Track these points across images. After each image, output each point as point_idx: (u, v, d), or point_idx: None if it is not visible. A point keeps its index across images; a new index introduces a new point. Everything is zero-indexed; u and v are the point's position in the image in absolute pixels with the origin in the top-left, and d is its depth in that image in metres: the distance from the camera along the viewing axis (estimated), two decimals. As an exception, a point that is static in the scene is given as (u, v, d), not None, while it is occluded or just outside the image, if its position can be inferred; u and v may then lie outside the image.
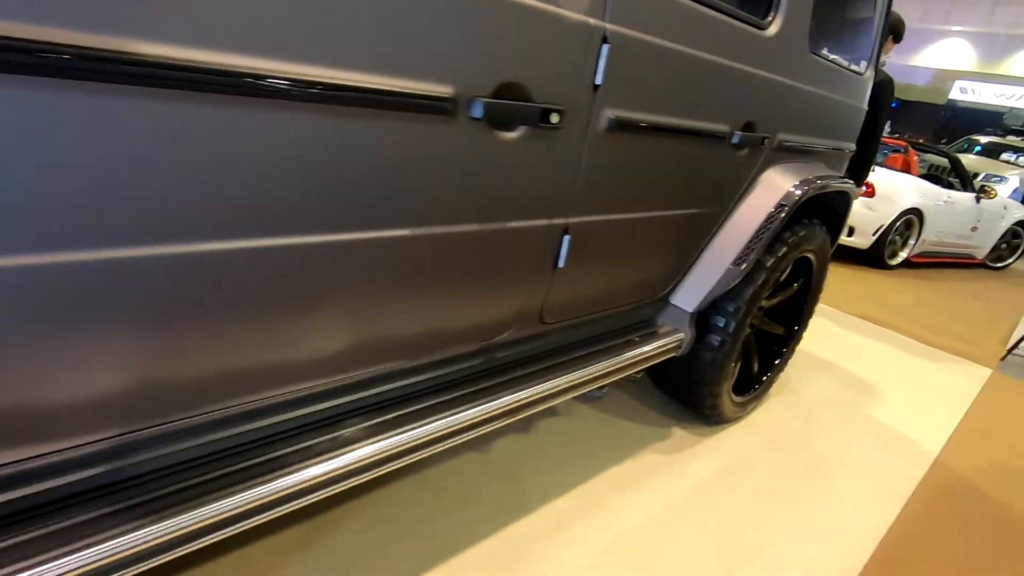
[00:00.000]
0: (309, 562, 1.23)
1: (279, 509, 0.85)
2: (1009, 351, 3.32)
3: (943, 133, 13.79)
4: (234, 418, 0.84)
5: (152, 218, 0.62)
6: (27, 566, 0.64)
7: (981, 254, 5.97)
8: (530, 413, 1.22)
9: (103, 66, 0.53)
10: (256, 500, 0.82)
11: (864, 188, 3.05)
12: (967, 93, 15.52)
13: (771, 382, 2.16)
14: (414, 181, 0.83)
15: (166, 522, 0.74)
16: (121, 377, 0.68)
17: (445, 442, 1.06)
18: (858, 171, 2.95)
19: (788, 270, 1.91)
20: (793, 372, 2.56)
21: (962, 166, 5.60)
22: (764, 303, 1.95)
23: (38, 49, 0.49)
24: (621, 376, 1.44)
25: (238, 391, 0.81)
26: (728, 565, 1.44)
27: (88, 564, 0.67)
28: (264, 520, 0.84)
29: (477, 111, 0.84)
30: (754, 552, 1.50)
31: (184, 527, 0.76)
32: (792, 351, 2.19)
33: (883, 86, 2.80)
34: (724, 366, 1.74)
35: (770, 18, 1.39)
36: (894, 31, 2.85)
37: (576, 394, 1.33)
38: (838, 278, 4.43)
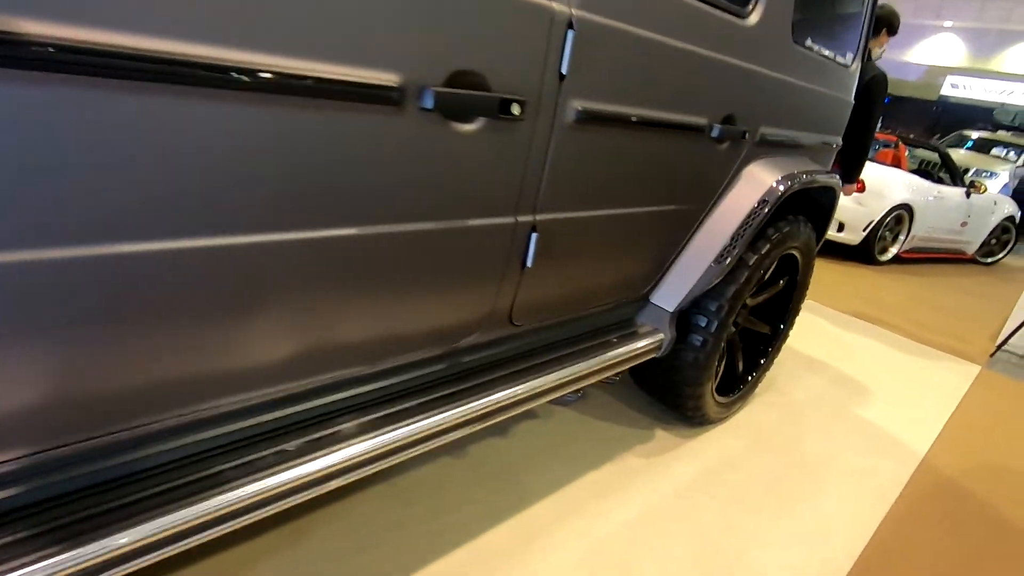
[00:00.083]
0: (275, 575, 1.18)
1: (219, 528, 0.79)
2: (998, 347, 3.30)
3: (935, 129, 13.80)
4: (161, 433, 0.78)
5: (71, 217, 0.56)
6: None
7: (971, 249, 5.96)
8: (500, 419, 1.17)
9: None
10: (191, 519, 0.77)
11: (857, 184, 3.00)
12: (958, 89, 15.53)
13: (757, 382, 2.12)
14: (359, 177, 0.77)
15: (98, 543, 0.69)
16: (44, 388, 0.62)
17: (406, 452, 1.00)
18: (851, 167, 2.91)
19: (772, 268, 1.86)
20: (780, 371, 2.53)
21: (952, 161, 5.58)
22: (749, 301, 1.91)
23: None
24: (597, 379, 1.39)
25: (163, 404, 0.75)
26: (707, 573, 1.39)
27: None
28: (213, 536, 0.79)
29: (427, 101, 0.78)
30: (734, 559, 1.45)
31: (116, 548, 0.70)
32: (778, 350, 2.15)
33: (876, 81, 2.76)
34: (706, 366, 1.69)
35: (751, 7, 1.34)
36: (889, 24, 2.80)
37: (549, 398, 1.27)
38: (828, 274, 4.40)
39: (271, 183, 0.70)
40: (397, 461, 1.01)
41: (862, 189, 4.53)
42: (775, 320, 2.09)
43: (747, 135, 1.48)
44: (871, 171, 4.71)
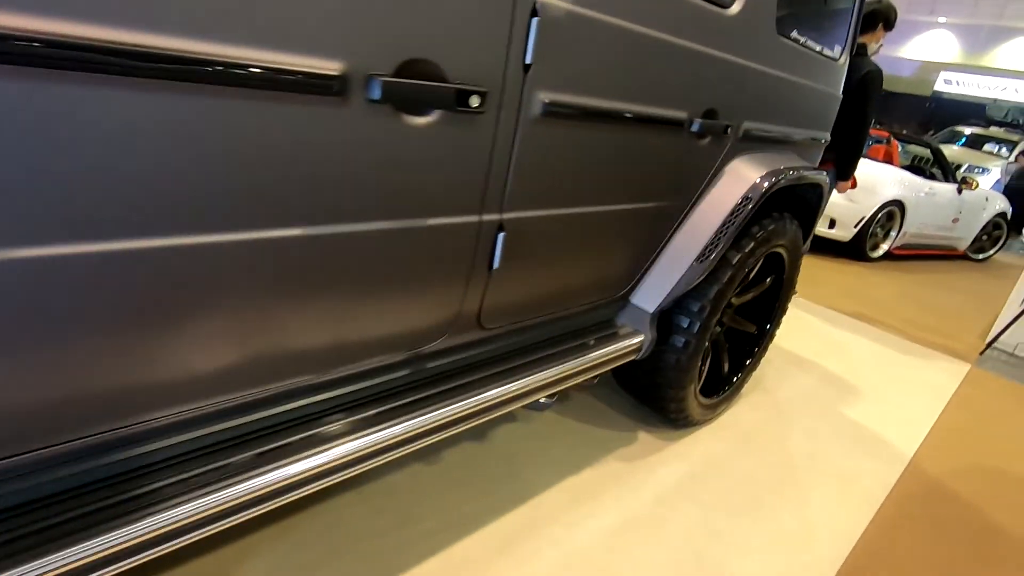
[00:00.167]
0: (227, 591, 1.13)
1: (159, 549, 0.74)
2: (988, 345, 3.28)
3: (929, 125, 13.81)
4: (91, 449, 0.72)
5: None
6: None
7: (962, 246, 5.95)
8: (467, 427, 1.11)
9: None
10: (135, 536, 0.71)
11: (850, 181, 2.96)
12: (952, 85, 15.55)
13: (742, 383, 2.08)
14: (301, 174, 0.72)
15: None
16: None
17: (364, 464, 0.95)
18: (846, 164, 2.86)
19: (758, 266, 1.82)
20: (768, 370, 2.49)
21: (944, 157, 5.55)
22: (734, 300, 1.86)
23: None
24: (573, 383, 1.34)
25: (94, 417, 0.69)
26: (687, 583, 1.35)
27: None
28: (157, 555, 0.74)
29: (375, 92, 0.73)
30: (716, 567, 1.41)
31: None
32: (765, 350, 2.11)
33: (872, 77, 2.71)
34: (688, 368, 1.64)
35: (732, -5, 1.29)
36: (885, 19, 2.76)
37: (521, 404, 1.22)
38: (818, 271, 4.37)
39: (198, 181, 0.64)
40: (355, 473, 0.95)
41: (854, 185, 4.48)
42: (761, 319, 2.04)
43: (729, 130, 1.43)
44: (862, 167, 4.66)
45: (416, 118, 0.80)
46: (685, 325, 1.59)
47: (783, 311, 2.09)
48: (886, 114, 13.58)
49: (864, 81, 2.70)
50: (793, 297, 3.52)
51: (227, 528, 0.80)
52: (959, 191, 5.34)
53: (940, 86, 15.69)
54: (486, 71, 0.85)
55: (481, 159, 0.92)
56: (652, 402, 1.80)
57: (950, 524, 1.75)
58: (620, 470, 1.67)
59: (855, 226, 4.67)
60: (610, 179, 1.18)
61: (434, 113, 0.82)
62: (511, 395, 1.18)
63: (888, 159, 5.14)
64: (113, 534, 0.69)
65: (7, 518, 0.68)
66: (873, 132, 5.61)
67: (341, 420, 0.94)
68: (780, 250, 1.83)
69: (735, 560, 1.44)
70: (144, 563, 0.74)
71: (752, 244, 1.62)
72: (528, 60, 0.90)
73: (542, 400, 1.32)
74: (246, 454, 0.82)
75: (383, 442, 0.97)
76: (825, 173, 1.90)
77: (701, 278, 1.51)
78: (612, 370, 1.54)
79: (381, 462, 0.99)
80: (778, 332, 2.20)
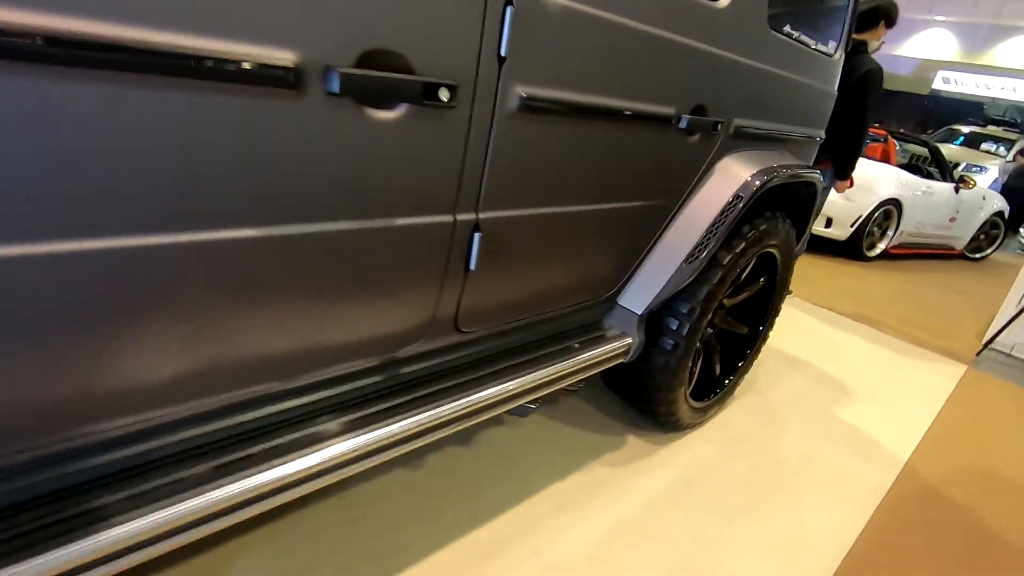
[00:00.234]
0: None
1: (111, 566, 0.70)
2: (985, 346, 3.24)
3: (927, 123, 13.78)
4: (23, 466, 0.68)
5: None
6: None
7: (960, 245, 5.92)
8: (445, 434, 1.07)
9: None
10: (79, 555, 0.67)
11: (849, 181, 2.92)
12: (950, 83, 15.51)
13: (735, 385, 2.04)
14: (253, 171, 0.67)
15: None
16: None
17: (334, 474, 0.91)
18: (845, 163, 2.82)
19: (750, 267, 1.78)
20: (762, 371, 2.45)
21: (941, 156, 5.52)
22: (726, 302, 1.82)
23: None
24: (556, 388, 1.30)
25: (34, 430, 0.65)
26: (675, 592, 1.32)
27: None
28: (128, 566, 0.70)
29: (333, 84, 0.69)
30: (707, 574, 1.37)
31: None
32: (757, 352, 2.07)
33: (872, 75, 2.67)
34: (678, 371, 1.61)
35: (721, -13, 1.25)
36: (887, 16, 2.72)
37: (502, 410, 1.18)
38: (815, 270, 4.33)
39: (139, 179, 0.60)
40: (324, 484, 0.91)
41: (851, 184, 4.45)
42: (754, 321, 2.00)
43: (720, 127, 1.39)
44: (859, 166, 4.61)
45: (381, 112, 0.76)
46: (674, 327, 1.55)
47: (776, 312, 2.05)
48: (884, 112, 13.55)
49: (864, 79, 2.66)
50: (789, 296, 3.49)
51: (191, 543, 0.77)
52: (956, 190, 5.31)
53: (938, 84, 15.65)
54: (457, 63, 0.81)
55: (454, 156, 0.88)
56: (641, 405, 1.76)
57: (945, 529, 1.72)
58: (608, 475, 1.64)
59: (852, 225, 4.63)
60: (593, 177, 1.14)
61: (400, 107, 0.77)
62: (491, 400, 1.14)
63: (885, 158, 5.10)
64: (56, 553, 0.65)
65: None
66: (870, 130, 5.57)
67: (308, 429, 0.90)
68: (773, 250, 1.79)
69: (726, 568, 1.40)
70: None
71: (743, 244, 1.58)
72: (503, 52, 0.85)
73: (528, 405, 1.28)
74: (202, 467, 0.78)
75: (355, 451, 0.93)
76: (819, 172, 1.86)
77: (690, 279, 1.47)
78: (600, 373, 1.51)
79: (353, 472, 0.95)
80: (772, 332, 2.16)
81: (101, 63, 0.53)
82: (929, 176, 5.32)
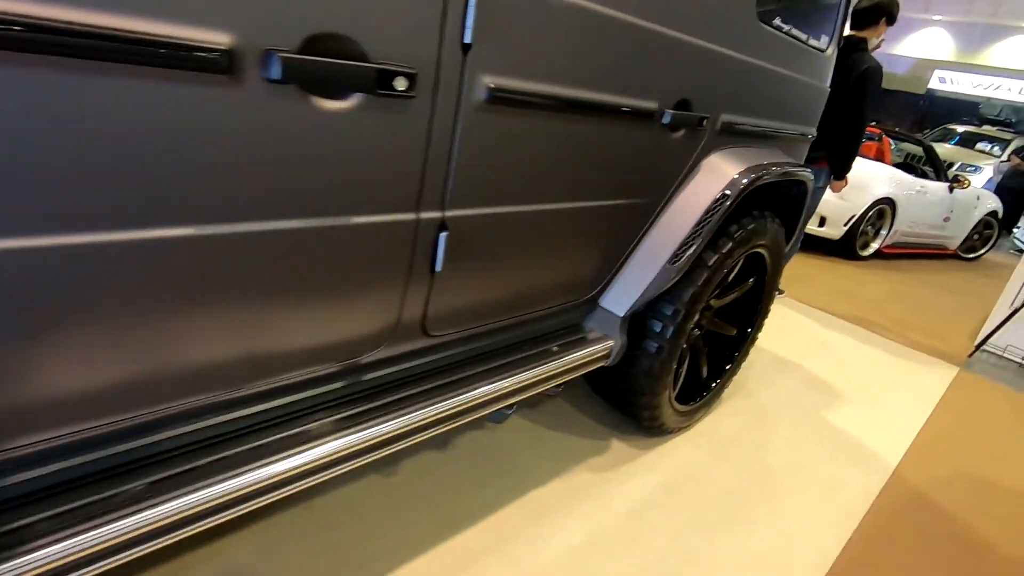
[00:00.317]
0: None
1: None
2: (977, 347, 3.21)
3: (923, 122, 13.76)
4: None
5: None
6: None
7: (953, 245, 5.90)
8: (411, 443, 1.02)
9: None
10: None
11: (845, 180, 2.87)
12: (946, 83, 15.50)
13: (722, 388, 1.99)
14: (184, 165, 0.62)
15: None
16: None
17: (288, 487, 0.86)
18: (842, 162, 2.77)
19: (737, 268, 1.73)
20: (751, 372, 2.41)
21: (936, 155, 5.49)
22: (713, 303, 1.78)
23: None
24: (533, 392, 1.25)
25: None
26: (654, 605, 1.27)
27: None
28: None
29: (274, 71, 0.63)
30: (686, 588, 1.33)
31: None
32: (745, 354, 2.03)
33: (872, 72, 2.62)
34: (662, 375, 1.56)
35: (707, -23, 1.19)
36: (888, 13, 2.67)
37: (474, 417, 1.13)
38: (808, 269, 4.30)
39: (52, 174, 0.54)
40: (278, 497, 0.86)
41: (845, 183, 4.42)
42: (742, 322, 1.96)
43: (705, 122, 1.34)
44: (854, 164, 4.58)
45: (331, 103, 0.70)
46: (658, 330, 1.50)
47: (765, 314, 2.00)
48: (880, 111, 13.53)
49: (863, 77, 2.61)
50: (780, 296, 3.46)
51: (138, 558, 0.71)
52: (951, 190, 5.28)
53: (934, 84, 15.63)
54: (416, 50, 0.75)
55: (415, 150, 0.82)
56: (625, 409, 1.72)
57: (934, 537, 1.68)
58: (590, 482, 1.59)
59: (845, 224, 4.59)
60: (570, 174, 1.08)
61: (353, 97, 0.72)
62: (463, 407, 1.09)
63: (880, 157, 5.07)
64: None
65: None
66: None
67: (259, 440, 0.85)
68: (761, 251, 1.75)
69: (707, 579, 1.36)
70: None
71: (730, 244, 1.53)
72: (467, 39, 0.80)
73: (504, 411, 1.23)
74: (138, 483, 0.73)
75: (313, 462, 0.88)
76: (810, 170, 1.82)
77: (675, 280, 1.42)
78: (583, 375, 1.46)
79: (311, 484, 0.90)
80: (763, 333, 2.12)
81: (24, 46, 0.48)
82: (923, 175, 5.29)
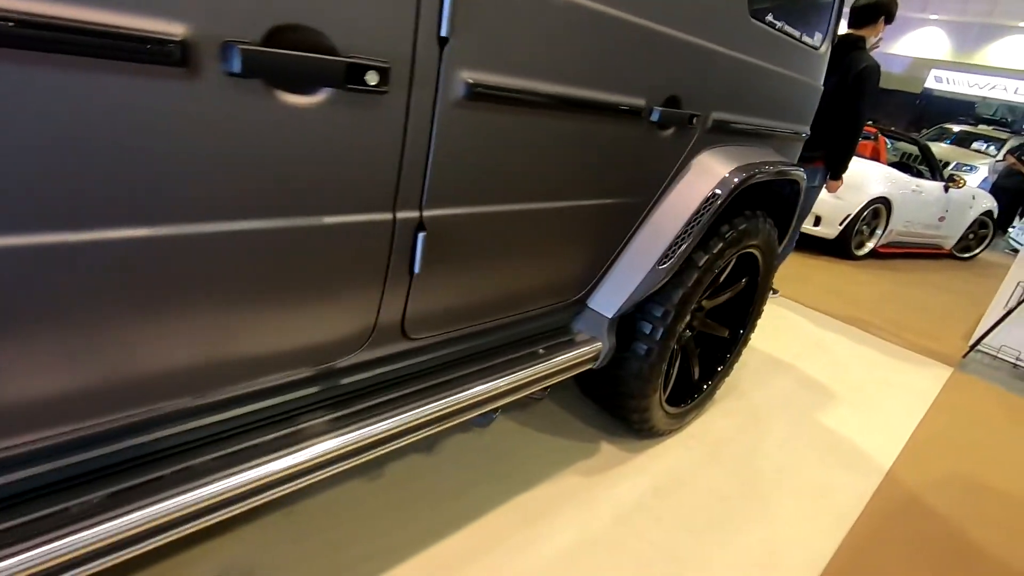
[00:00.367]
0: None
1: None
2: (971, 348, 3.20)
3: (919, 122, 13.77)
4: None
5: None
6: None
7: (949, 244, 5.89)
8: (389, 450, 0.99)
9: None
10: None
11: (841, 181, 2.84)
12: (942, 82, 15.52)
13: (714, 390, 1.97)
14: (139, 162, 0.59)
15: None
16: None
17: (258, 497, 0.83)
18: (838, 162, 2.74)
19: (729, 268, 1.71)
20: (745, 373, 2.38)
21: (932, 154, 5.48)
22: (705, 304, 1.75)
23: None
24: (517, 397, 1.22)
25: None
26: (641, 613, 1.25)
27: None
28: None
29: (234, 64, 0.60)
30: (674, 594, 1.31)
31: None
32: (738, 355, 2.00)
33: (870, 71, 2.59)
34: (651, 377, 1.53)
35: (697, -29, 1.16)
36: (887, 12, 2.64)
37: (457, 422, 1.10)
38: (803, 269, 4.28)
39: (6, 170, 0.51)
40: (251, 506, 0.83)
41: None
42: (735, 323, 1.93)
43: (695, 120, 1.31)
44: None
45: (298, 97, 0.67)
46: (648, 331, 1.48)
47: (758, 315, 1.98)
48: (877, 111, 13.53)
49: (861, 76, 2.58)
50: (775, 296, 3.44)
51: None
52: (946, 189, 5.27)
53: (930, 83, 15.65)
54: (388, 44, 0.72)
55: (390, 148, 0.79)
56: (614, 411, 1.69)
57: (926, 542, 1.66)
58: (578, 485, 1.56)
59: (840, 224, 4.58)
60: (554, 173, 1.05)
61: (322, 92, 0.69)
62: (443, 412, 1.06)
63: (876, 156, 5.06)
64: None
65: None
66: (861, 128, 5.51)
67: (228, 448, 0.82)
68: (753, 251, 1.72)
69: (695, 586, 1.34)
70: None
71: (721, 245, 1.50)
72: (444, 32, 0.77)
73: (489, 415, 1.21)
74: (95, 495, 0.70)
75: (285, 470, 0.85)
76: (803, 169, 1.79)
77: (664, 281, 1.39)
78: (557, 384, 1.43)
79: (284, 493, 0.87)
80: (757, 333, 2.09)
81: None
82: (919, 175, 5.28)
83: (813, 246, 4.80)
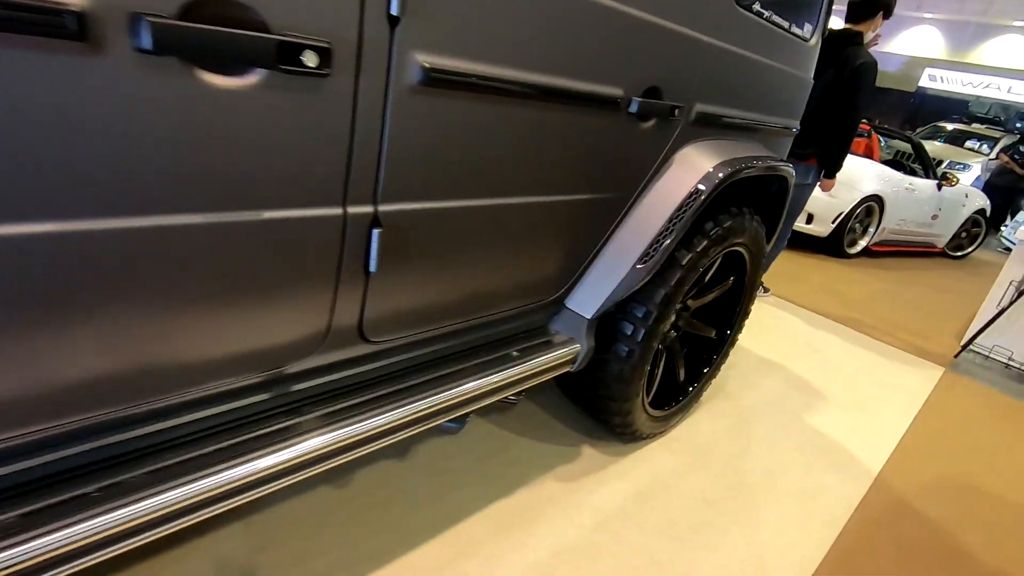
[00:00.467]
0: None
1: None
2: (964, 347, 3.16)
3: (913, 120, 13.78)
4: None
5: None
6: None
7: (941, 243, 5.87)
8: (346, 460, 0.93)
9: None
10: None
11: (835, 179, 2.79)
12: (936, 81, 15.52)
13: (700, 392, 1.92)
14: (37, 150, 0.52)
15: None
16: None
17: (197, 513, 0.77)
18: (833, 160, 2.69)
19: (715, 267, 1.65)
20: (733, 374, 2.34)
21: (925, 152, 5.44)
22: (691, 303, 1.70)
23: None
24: (490, 401, 1.16)
25: None
26: (619, 627, 1.19)
27: None
28: None
29: (144, 39, 0.54)
30: (654, 607, 1.26)
31: None
32: (725, 356, 1.95)
33: (867, 67, 2.54)
34: (633, 380, 1.48)
35: (678, -45, 1.10)
36: (886, 7, 2.59)
37: (422, 428, 1.05)
38: (795, 267, 4.24)
39: None
40: (188, 524, 0.77)
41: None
42: (722, 323, 1.88)
43: (678, 112, 1.25)
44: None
45: (223, 79, 0.61)
46: (629, 332, 1.42)
47: (745, 314, 1.93)
48: (872, 108, 13.53)
49: (858, 72, 2.53)
50: (766, 295, 3.39)
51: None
52: (939, 187, 5.24)
53: (925, 82, 15.65)
54: (330, 22, 0.66)
55: (336, 137, 0.73)
56: (595, 414, 1.64)
57: (916, 548, 1.62)
58: (557, 491, 1.51)
59: (833, 222, 4.54)
60: (524, 167, 0.99)
61: (252, 73, 0.63)
62: (408, 418, 1.00)
63: (869, 153, 5.02)
64: None
65: None
66: (854, 125, 5.46)
67: (161, 463, 0.76)
68: (740, 249, 1.67)
69: (676, 597, 1.29)
70: None
71: (705, 243, 1.45)
72: (394, 11, 0.71)
73: (454, 421, 1.15)
74: (15, 511, 0.63)
75: (231, 483, 0.79)
76: (792, 165, 1.74)
77: (645, 280, 1.34)
78: (530, 388, 1.37)
79: (232, 506, 0.81)
80: (746, 332, 2.04)
81: None
82: (912, 173, 5.24)
83: (805, 244, 4.76)
